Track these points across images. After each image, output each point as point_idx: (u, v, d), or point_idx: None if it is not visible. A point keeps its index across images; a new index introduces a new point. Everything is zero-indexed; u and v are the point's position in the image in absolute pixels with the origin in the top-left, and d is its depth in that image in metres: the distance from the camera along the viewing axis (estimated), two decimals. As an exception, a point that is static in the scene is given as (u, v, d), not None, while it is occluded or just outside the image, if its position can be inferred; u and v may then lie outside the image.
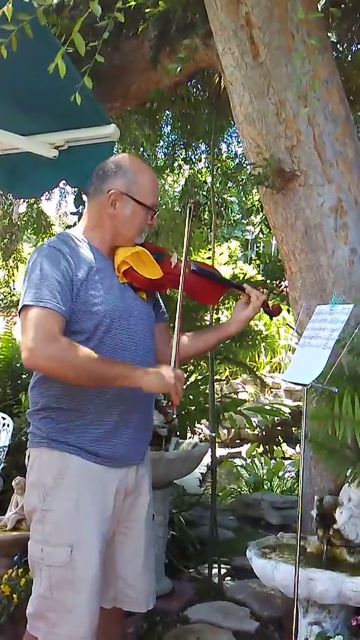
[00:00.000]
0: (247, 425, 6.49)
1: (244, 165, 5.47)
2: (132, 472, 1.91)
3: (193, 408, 4.43)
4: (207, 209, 5.60)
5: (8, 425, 3.56)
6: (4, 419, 3.62)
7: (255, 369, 7.74)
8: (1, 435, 3.56)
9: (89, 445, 1.80)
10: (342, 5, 3.31)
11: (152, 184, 1.96)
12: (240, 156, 5.75)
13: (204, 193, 6.15)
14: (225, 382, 7.89)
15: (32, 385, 1.89)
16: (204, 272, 2.08)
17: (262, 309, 2.20)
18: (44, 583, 1.77)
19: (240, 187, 6.39)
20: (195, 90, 4.68)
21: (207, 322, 4.00)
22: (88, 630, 1.75)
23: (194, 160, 6.04)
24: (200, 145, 5.64)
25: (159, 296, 2.14)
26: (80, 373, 1.71)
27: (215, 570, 3.45)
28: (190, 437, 4.36)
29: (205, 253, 6.68)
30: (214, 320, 3.98)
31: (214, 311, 4.18)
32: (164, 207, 6.45)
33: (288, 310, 3.52)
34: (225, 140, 5.77)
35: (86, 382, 1.75)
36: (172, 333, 1.94)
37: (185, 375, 4.44)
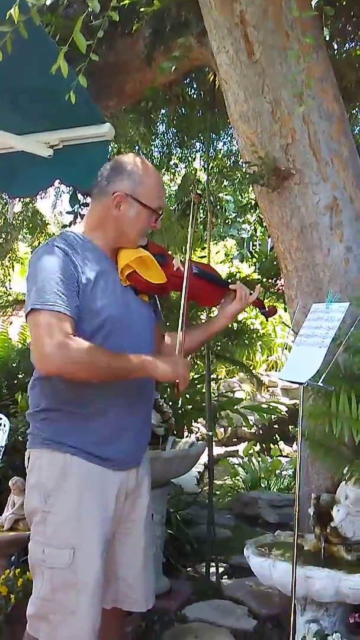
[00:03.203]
0: (244, 424, 6.50)
1: (240, 163, 5.48)
2: (132, 473, 1.91)
3: (190, 407, 4.43)
4: (202, 207, 5.60)
5: (4, 426, 3.54)
6: (0, 419, 3.61)
7: (251, 368, 7.75)
8: (-2, 435, 3.55)
9: (90, 447, 1.79)
10: (337, 4, 3.32)
11: (158, 186, 1.94)
12: (236, 154, 5.75)
13: (199, 192, 6.14)
14: (221, 380, 7.89)
15: (32, 386, 1.88)
16: (205, 274, 2.07)
17: (258, 309, 2.20)
18: (45, 585, 1.76)
19: (236, 185, 6.39)
20: (190, 88, 4.67)
21: (203, 321, 3.99)
22: (91, 631, 1.74)
23: (190, 158, 6.03)
24: (195, 143, 5.64)
25: (156, 296, 2.14)
26: (97, 372, 1.73)
27: (212, 569, 3.45)
28: (187, 436, 4.37)
29: (200, 252, 6.68)
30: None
31: (210, 310, 4.18)
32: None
33: (284, 309, 3.53)
34: (220, 138, 5.76)
35: (104, 378, 1.77)
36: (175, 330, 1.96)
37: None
